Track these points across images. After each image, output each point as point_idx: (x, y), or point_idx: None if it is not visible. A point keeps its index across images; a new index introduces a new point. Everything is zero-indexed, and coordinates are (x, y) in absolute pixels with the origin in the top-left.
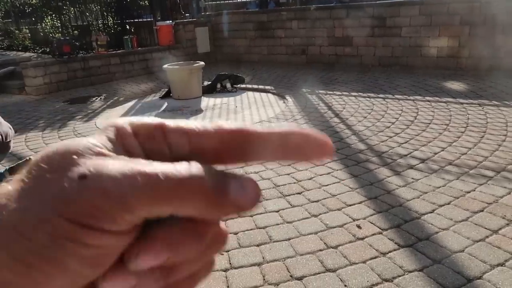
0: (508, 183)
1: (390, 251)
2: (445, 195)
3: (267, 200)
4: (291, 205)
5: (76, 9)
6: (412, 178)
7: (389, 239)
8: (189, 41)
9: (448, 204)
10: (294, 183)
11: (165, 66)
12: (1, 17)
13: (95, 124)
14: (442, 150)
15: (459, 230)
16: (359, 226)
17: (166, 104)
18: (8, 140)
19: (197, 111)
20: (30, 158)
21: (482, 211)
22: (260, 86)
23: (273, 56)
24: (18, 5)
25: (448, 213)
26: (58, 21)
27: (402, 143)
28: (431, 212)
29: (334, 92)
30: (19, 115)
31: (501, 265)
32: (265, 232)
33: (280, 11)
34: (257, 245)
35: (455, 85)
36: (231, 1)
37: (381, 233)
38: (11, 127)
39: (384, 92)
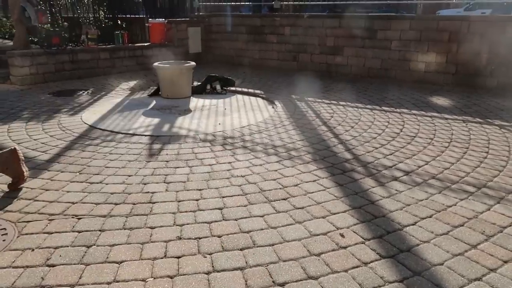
0: (488, 199)
1: (372, 261)
2: (427, 208)
3: (252, 204)
4: (276, 210)
5: (67, 1)
6: (396, 190)
7: (371, 249)
8: (180, 40)
9: (430, 217)
10: (280, 188)
11: (155, 64)
12: None
13: (81, 118)
14: (426, 164)
15: (439, 243)
16: (342, 235)
17: (154, 102)
18: None
19: (186, 111)
20: (14, 148)
21: (462, 225)
22: (250, 90)
23: (264, 60)
24: None
25: (429, 226)
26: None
27: (388, 155)
28: (413, 224)
29: (323, 100)
30: (2, 104)
31: (479, 280)
32: (249, 236)
33: (274, 17)
34: (241, 249)
35: (441, 101)
36: (225, 3)
37: (364, 243)
38: None
39: (371, 103)
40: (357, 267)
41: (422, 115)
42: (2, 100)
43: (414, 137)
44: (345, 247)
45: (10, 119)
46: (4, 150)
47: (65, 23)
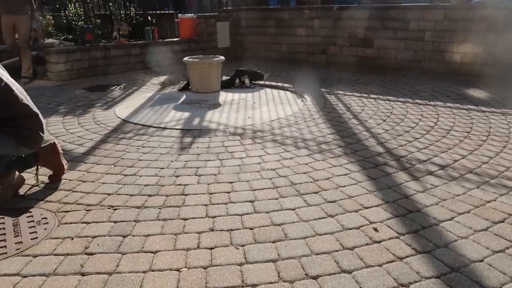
0: None
1: (407, 256)
2: (465, 203)
3: (283, 197)
4: (307, 204)
5: None
6: (431, 184)
7: (406, 244)
8: (209, 35)
9: (468, 212)
10: (311, 182)
11: (185, 58)
12: None
13: (114, 113)
14: (463, 158)
15: (478, 240)
16: (376, 229)
17: (184, 96)
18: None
19: (215, 105)
20: (54, 142)
21: (503, 221)
22: (279, 84)
23: (292, 54)
24: None
25: (467, 222)
26: (81, 9)
27: (422, 149)
28: (450, 220)
29: (353, 93)
30: (39, 99)
31: None
32: (280, 229)
33: (302, 9)
34: (273, 242)
35: (478, 93)
36: None
37: (398, 238)
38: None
39: (404, 96)
40: (392, 261)
41: (458, 108)
42: (40, 95)
43: (450, 130)
44: (379, 242)
45: (47, 114)
46: (44, 145)
47: (98, 20)
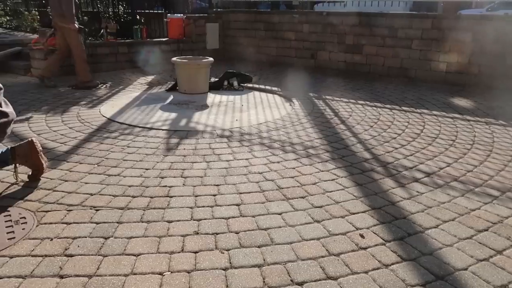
0: None
1: (393, 263)
2: (450, 211)
3: (270, 201)
4: (294, 208)
5: None
6: (417, 192)
7: (392, 251)
8: (198, 36)
9: (453, 220)
10: (298, 186)
11: (174, 59)
12: None
13: (99, 111)
14: (448, 166)
15: (463, 248)
16: (362, 236)
17: (171, 97)
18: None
19: (203, 106)
20: (32, 140)
21: (487, 230)
22: (267, 87)
23: (282, 57)
24: None
25: (452, 230)
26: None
27: (408, 155)
28: (435, 227)
29: (341, 98)
30: (23, 96)
31: (505, 286)
32: (266, 233)
33: (292, 14)
34: (258, 246)
35: (463, 102)
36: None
37: (384, 244)
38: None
39: (391, 103)
40: (377, 268)
41: (443, 116)
42: (23, 92)
43: (435, 138)
44: (365, 248)
45: (30, 111)
46: (22, 143)
47: (85, 17)
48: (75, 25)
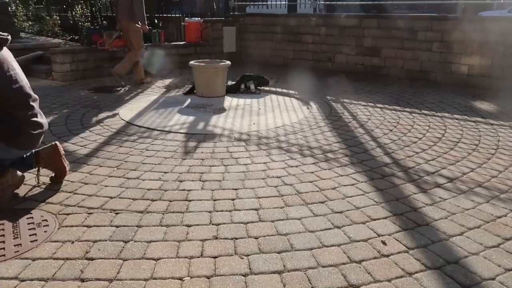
0: None
1: (416, 272)
2: (475, 218)
3: (289, 206)
4: (313, 214)
5: (107, 0)
6: (440, 197)
7: (415, 258)
8: (215, 39)
9: (478, 227)
10: (317, 191)
11: (191, 62)
12: (34, 3)
13: (118, 115)
14: (471, 171)
15: (489, 256)
16: (384, 242)
17: (189, 100)
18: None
19: (220, 109)
20: (55, 144)
21: None
22: (284, 90)
23: (298, 60)
24: None
25: (478, 237)
26: (88, 10)
27: (429, 160)
28: (460, 235)
29: (359, 102)
30: (44, 99)
31: None
32: (286, 239)
33: (310, 17)
34: (278, 252)
35: (485, 105)
36: (259, 3)
37: (407, 252)
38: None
39: (410, 106)
40: (401, 277)
41: (465, 120)
42: (45, 95)
43: (458, 142)
44: (387, 255)
45: (51, 114)
46: (46, 146)
47: (104, 22)
48: (146, 27)
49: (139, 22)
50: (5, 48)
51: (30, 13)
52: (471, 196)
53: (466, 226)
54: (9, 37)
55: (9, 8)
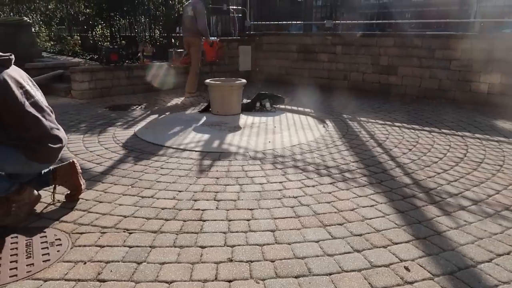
0: None
1: None
2: (504, 243)
3: (306, 228)
4: (332, 236)
5: (126, 21)
6: (465, 221)
7: (441, 286)
8: (231, 58)
9: (508, 254)
10: (335, 212)
11: (207, 81)
12: (56, 24)
13: (134, 132)
14: (497, 193)
15: None
16: (407, 268)
17: (204, 118)
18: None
19: (235, 128)
20: (73, 161)
21: None
22: (300, 108)
23: (314, 79)
24: (72, 13)
25: (508, 265)
26: (108, 31)
27: (452, 181)
28: (488, 261)
29: (377, 120)
30: (62, 117)
31: None
32: (304, 263)
33: (325, 35)
34: (295, 277)
35: (508, 125)
36: (274, 22)
37: (433, 279)
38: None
39: (429, 125)
40: None
41: (487, 140)
42: (63, 113)
43: (481, 163)
44: (411, 283)
45: (69, 131)
46: (63, 164)
47: (123, 41)
48: (209, 39)
49: (203, 38)
50: (13, 67)
51: (53, 34)
52: (498, 220)
53: (494, 252)
54: (12, 56)
55: (33, 28)
